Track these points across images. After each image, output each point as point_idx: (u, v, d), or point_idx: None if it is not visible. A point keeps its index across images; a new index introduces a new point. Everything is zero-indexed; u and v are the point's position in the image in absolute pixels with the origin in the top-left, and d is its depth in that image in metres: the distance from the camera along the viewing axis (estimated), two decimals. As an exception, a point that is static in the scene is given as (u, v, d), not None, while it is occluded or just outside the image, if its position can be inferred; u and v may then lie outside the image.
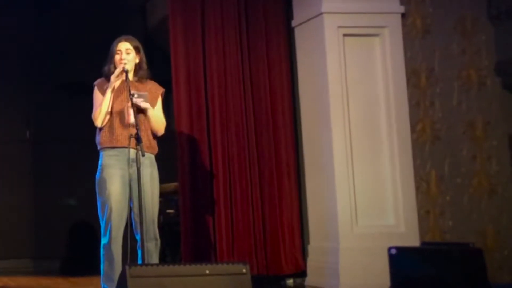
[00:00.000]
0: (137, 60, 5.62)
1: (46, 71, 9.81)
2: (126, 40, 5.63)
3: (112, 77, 5.49)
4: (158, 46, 8.94)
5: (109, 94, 5.48)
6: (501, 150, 7.52)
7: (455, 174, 7.40)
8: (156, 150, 5.64)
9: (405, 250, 5.41)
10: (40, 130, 9.93)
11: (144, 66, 5.66)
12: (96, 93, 5.61)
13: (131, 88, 5.41)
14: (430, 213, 7.31)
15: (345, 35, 7.30)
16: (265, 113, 7.57)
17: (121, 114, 5.50)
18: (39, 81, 9.80)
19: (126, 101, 5.45)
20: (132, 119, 5.39)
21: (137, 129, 5.25)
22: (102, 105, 5.48)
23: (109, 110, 5.48)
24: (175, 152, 7.43)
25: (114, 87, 5.50)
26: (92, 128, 5.61)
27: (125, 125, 5.45)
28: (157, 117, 5.59)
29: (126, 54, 5.57)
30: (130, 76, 5.54)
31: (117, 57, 5.57)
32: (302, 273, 7.45)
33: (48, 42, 9.88)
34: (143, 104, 5.40)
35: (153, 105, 5.60)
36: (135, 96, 5.39)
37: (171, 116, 7.79)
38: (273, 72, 7.66)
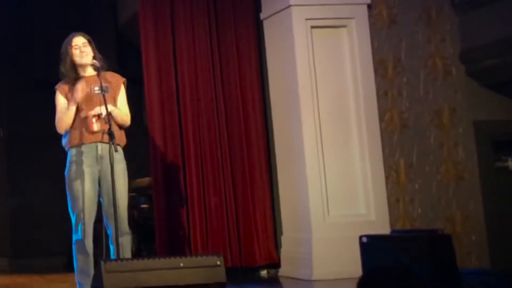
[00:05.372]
0: (93, 53, 5.61)
1: (18, 69, 9.76)
2: (79, 35, 5.61)
3: (76, 95, 5.44)
4: (130, 42, 8.93)
5: (73, 109, 5.46)
6: (467, 137, 7.60)
7: (423, 162, 7.48)
8: (124, 142, 5.64)
9: (376, 238, 5.48)
10: (13, 129, 9.88)
11: (99, 56, 5.61)
12: (58, 98, 5.58)
13: (91, 82, 5.44)
14: (399, 201, 7.37)
15: (313, 27, 7.36)
16: (236, 106, 7.61)
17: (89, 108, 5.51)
18: (11, 79, 9.75)
19: (92, 103, 5.46)
20: (95, 127, 5.42)
21: (110, 125, 5.28)
22: (67, 117, 5.46)
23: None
24: (147, 147, 7.47)
25: (76, 101, 5.47)
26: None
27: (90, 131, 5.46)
28: (121, 112, 5.57)
29: (85, 47, 5.55)
30: (90, 70, 5.56)
31: (76, 52, 5.54)
32: (276, 264, 7.50)
33: (20, 39, 9.84)
34: (110, 108, 5.39)
35: (116, 95, 5.60)
36: (97, 89, 5.40)
37: (143, 111, 7.83)
38: (242, 64, 7.69)
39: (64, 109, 5.51)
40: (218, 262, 4.78)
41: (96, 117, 5.41)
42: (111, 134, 5.26)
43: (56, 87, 5.63)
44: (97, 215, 5.55)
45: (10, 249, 9.62)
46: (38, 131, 9.50)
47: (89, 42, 5.60)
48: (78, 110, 5.49)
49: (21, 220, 9.66)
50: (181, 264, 4.72)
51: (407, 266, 5.00)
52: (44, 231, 9.51)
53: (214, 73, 7.60)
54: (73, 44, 5.57)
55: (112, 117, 5.45)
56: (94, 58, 5.56)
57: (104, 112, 5.35)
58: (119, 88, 5.66)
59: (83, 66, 5.56)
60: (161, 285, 4.65)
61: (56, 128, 5.55)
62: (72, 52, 5.55)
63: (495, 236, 7.56)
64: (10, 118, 9.86)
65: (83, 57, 5.53)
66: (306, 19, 7.34)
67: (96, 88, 5.41)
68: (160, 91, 7.44)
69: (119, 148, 5.50)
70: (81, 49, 5.54)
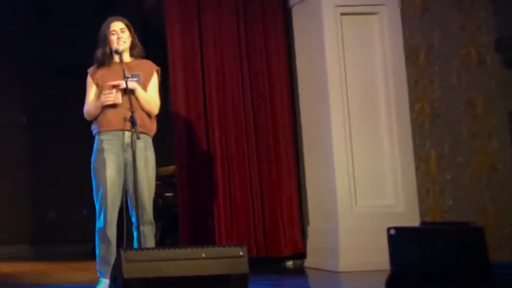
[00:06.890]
0: (131, 39, 5.56)
1: (41, 55, 9.78)
2: (118, 20, 5.56)
3: (103, 100, 5.39)
4: (154, 28, 8.88)
5: (100, 108, 5.44)
6: (502, 128, 7.47)
7: (455, 153, 7.36)
8: (152, 131, 5.55)
9: (404, 231, 5.36)
10: (36, 115, 9.91)
11: (138, 43, 5.60)
12: (89, 83, 5.57)
13: (125, 69, 5.34)
14: (430, 192, 7.27)
15: (342, 14, 7.25)
16: (263, 95, 7.53)
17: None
18: (34, 65, 9.77)
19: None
20: (119, 98, 5.33)
21: (132, 112, 5.19)
22: (94, 109, 5.46)
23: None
24: (172, 135, 7.40)
25: (102, 105, 5.44)
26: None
27: (117, 107, 5.39)
28: (147, 96, 5.48)
29: (122, 33, 5.50)
30: (126, 56, 5.50)
31: (113, 37, 5.49)
32: (302, 255, 7.44)
33: (43, 25, 9.83)
34: (130, 85, 5.33)
35: (146, 83, 5.53)
36: (129, 77, 5.33)
37: (168, 99, 7.74)
38: (270, 51, 7.62)
39: (93, 104, 5.49)
40: (241, 253, 4.68)
41: (116, 88, 5.32)
42: (133, 121, 5.17)
43: (88, 70, 5.60)
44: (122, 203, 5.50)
45: (33, 235, 9.65)
46: (60, 117, 9.52)
47: (128, 27, 5.55)
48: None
49: (43, 206, 9.69)
50: (203, 255, 4.62)
51: (437, 260, 4.88)
52: (67, 218, 9.53)
53: (241, 60, 7.53)
54: (111, 29, 5.50)
55: (137, 98, 5.37)
56: (131, 44, 5.53)
57: (124, 85, 5.28)
58: (150, 76, 5.58)
59: (119, 52, 5.48)
60: (182, 275, 4.56)
61: (84, 115, 5.57)
62: (110, 38, 5.48)
63: (528, 230, 7.43)
64: (32, 105, 9.88)
65: (119, 44, 5.47)
66: (336, 6, 7.25)
67: (128, 76, 5.32)
68: (185, 77, 7.39)
69: (148, 137, 5.46)
70: (119, 35, 5.49)
